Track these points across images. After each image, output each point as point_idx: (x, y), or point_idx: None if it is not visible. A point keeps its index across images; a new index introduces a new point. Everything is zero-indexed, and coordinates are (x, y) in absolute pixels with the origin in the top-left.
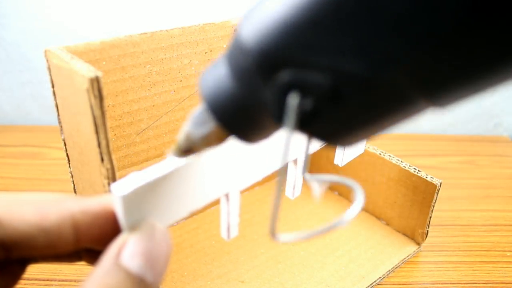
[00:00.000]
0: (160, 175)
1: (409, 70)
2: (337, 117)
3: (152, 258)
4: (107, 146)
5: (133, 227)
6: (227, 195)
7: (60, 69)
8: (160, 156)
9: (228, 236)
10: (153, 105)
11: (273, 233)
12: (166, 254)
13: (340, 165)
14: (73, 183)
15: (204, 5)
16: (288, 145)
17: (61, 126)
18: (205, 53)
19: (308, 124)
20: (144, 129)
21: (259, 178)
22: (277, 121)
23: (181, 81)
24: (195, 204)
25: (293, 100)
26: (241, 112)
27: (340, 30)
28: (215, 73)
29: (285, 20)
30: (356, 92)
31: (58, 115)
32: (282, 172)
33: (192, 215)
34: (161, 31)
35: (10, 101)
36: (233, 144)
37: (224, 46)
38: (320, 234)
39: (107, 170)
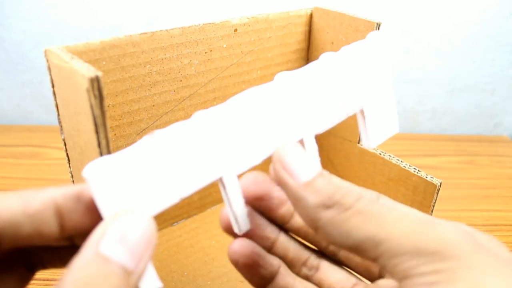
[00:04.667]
0: (140, 155)
1: None
2: None
3: (132, 245)
4: (107, 146)
5: (114, 214)
6: (221, 180)
7: (60, 68)
8: None
9: (238, 228)
10: (153, 105)
11: None
12: (147, 240)
13: (372, 147)
14: (73, 183)
15: (204, 5)
16: None
17: (61, 126)
18: (205, 53)
19: None
20: (144, 129)
21: (257, 161)
22: None
23: (181, 81)
24: (184, 189)
25: None
26: None
27: None
28: None
29: None
30: None
31: (58, 115)
32: None
33: (192, 215)
34: (161, 31)
35: (10, 101)
36: (227, 121)
37: (224, 46)
38: None
39: None
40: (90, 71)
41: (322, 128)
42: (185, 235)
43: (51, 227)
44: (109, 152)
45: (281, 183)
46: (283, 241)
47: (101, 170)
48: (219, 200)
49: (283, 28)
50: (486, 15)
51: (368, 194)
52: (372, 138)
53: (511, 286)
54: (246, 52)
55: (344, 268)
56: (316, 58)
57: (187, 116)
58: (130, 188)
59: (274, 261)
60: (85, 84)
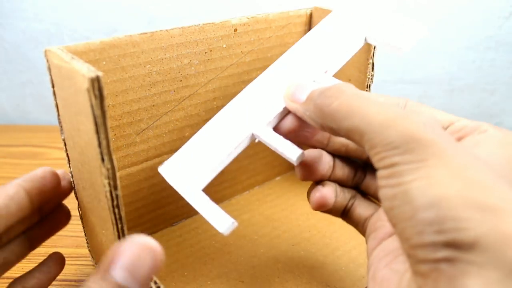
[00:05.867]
0: (189, 145)
1: None
2: None
3: (136, 270)
4: (108, 146)
5: (128, 239)
6: (254, 135)
7: (60, 69)
8: (160, 156)
9: (294, 158)
10: (153, 105)
11: None
12: (149, 267)
13: (405, 51)
14: (73, 183)
15: (204, 5)
16: None
17: (61, 126)
18: (205, 53)
19: None
20: (144, 129)
21: (278, 109)
22: None
23: (181, 81)
24: (229, 154)
25: None
26: None
27: None
28: None
29: None
30: None
31: (58, 115)
32: None
33: (192, 215)
34: (161, 31)
35: (10, 101)
36: (246, 92)
37: (224, 46)
38: None
39: (108, 170)
40: (91, 71)
41: (333, 66)
42: (185, 235)
43: (25, 202)
44: (109, 152)
45: (292, 110)
46: (339, 164)
47: (168, 166)
48: (219, 200)
49: (282, 28)
50: (486, 15)
51: (351, 89)
52: (398, 45)
53: (457, 177)
54: (246, 52)
55: None
56: None
57: (187, 116)
58: (190, 168)
59: (331, 188)
60: (86, 84)
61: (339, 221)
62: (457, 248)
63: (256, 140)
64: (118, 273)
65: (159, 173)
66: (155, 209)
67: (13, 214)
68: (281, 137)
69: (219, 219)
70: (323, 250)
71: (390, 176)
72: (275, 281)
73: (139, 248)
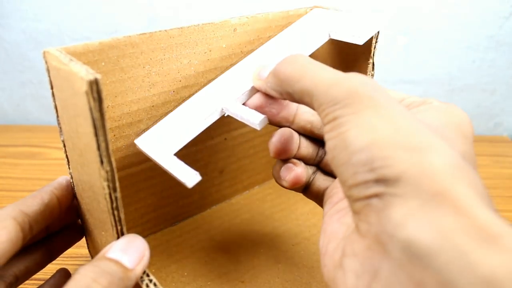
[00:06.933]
0: (165, 120)
1: None
2: None
3: (128, 250)
4: (107, 148)
5: (123, 237)
6: (224, 110)
7: (59, 70)
8: None
9: (257, 123)
10: (153, 106)
11: None
12: (140, 248)
13: (360, 43)
14: (73, 184)
15: (204, 5)
16: None
17: (60, 128)
18: (205, 53)
19: None
20: (143, 130)
21: (245, 87)
22: None
23: (180, 81)
24: (199, 124)
25: None
26: None
27: None
28: None
29: None
30: None
31: (57, 116)
32: None
33: (192, 215)
34: (160, 31)
35: (10, 101)
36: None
37: (224, 46)
38: None
39: (107, 172)
40: (89, 74)
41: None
42: (185, 235)
43: (56, 206)
44: (108, 155)
45: (258, 87)
46: (304, 143)
47: (144, 138)
48: (219, 200)
49: (282, 27)
50: (486, 15)
51: (304, 58)
52: (354, 38)
53: (387, 123)
54: (246, 52)
55: None
56: (315, 57)
57: None
58: (163, 137)
59: (302, 167)
60: (84, 87)
61: None
62: (384, 183)
63: (226, 114)
64: (114, 253)
65: (159, 174)
66: (155, 209)
67: (47, 219)
68: (247, 107)
69: (184, 173)
70: None
71: (332, 129)
72: (275, 281)
73: (130, 236)
